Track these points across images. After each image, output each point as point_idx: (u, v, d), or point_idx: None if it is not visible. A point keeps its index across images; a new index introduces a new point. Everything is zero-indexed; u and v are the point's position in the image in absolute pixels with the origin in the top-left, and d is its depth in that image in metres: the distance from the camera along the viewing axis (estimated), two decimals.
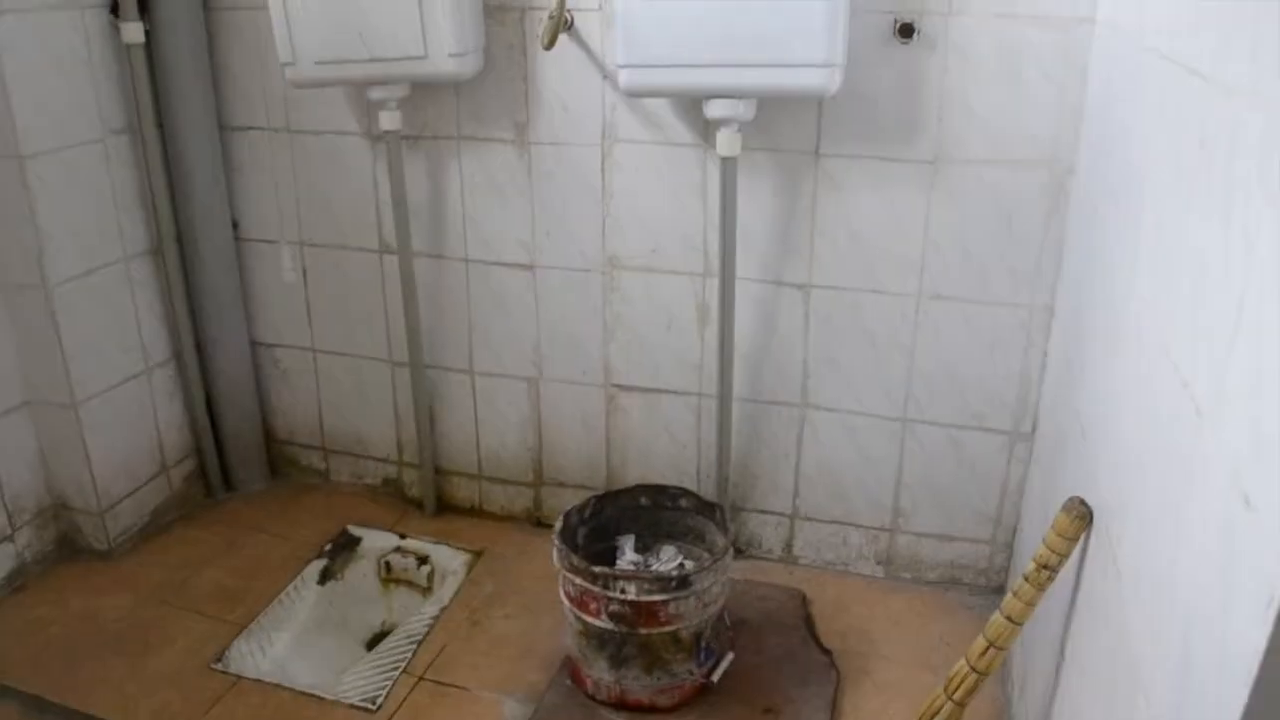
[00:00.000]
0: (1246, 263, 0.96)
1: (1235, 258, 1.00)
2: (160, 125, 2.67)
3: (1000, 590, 2.47)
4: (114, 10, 2.53)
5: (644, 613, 2.04)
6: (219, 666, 2.32)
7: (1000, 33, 2.07)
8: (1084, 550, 1.55)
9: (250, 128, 2.73)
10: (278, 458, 3.11)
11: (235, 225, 2.83)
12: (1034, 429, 2.32)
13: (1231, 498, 0.92)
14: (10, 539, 2.58)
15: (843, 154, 2.25)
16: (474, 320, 2.69)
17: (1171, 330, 1.22)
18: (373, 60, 2.28)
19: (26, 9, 2.33)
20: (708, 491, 2.56)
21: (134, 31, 2.53)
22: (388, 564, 2.71)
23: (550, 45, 2.21)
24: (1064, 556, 1.54)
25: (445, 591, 2.57)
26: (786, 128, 2.26)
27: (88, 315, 2.57)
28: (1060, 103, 2.08)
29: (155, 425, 2.82)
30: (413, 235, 2.60)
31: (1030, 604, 1.60)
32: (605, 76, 2.34)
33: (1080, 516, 1.52)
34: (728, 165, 2.18)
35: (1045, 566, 1.55)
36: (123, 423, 2.72)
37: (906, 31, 2.11)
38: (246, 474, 3.05)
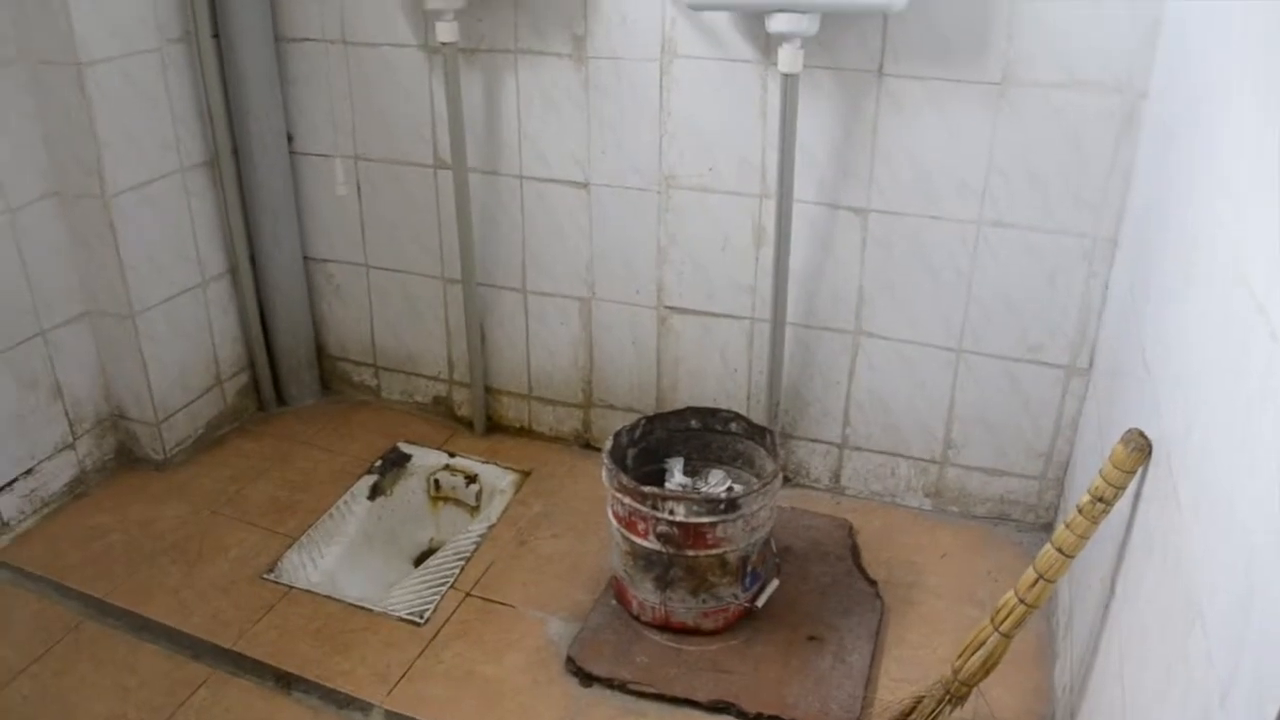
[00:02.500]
0: None
1: None
2: (216, 35, 2.65)
3: (1049, 527, 2.43)
4: None
5: (692, 534, 2.03)
6: (270, 577, 2.36)
7: None
8: (1141, 483, 1.51)
9: (306, 39, 2.70)
10: (329, 373, 3.13)
11: (290, 138, 2.83)
12: (1091, 363, 2.27)
13: None
14: (72, 447, 2.63)
15: (907, 74, 2.18)
16: (527, 238, 2.67)
17: (1249, 258, 1.17)
18: None
19: None
20: (758, 417, 2.54)
21: None
22: (436, 482, 2.73)
23: None
24: (1120, 489, 1.51)
25: (493, 510, 2.58)
26: (850, 45, 2.19)
27: (145, 226, 2.58)
28: (1135, 20, 1.99)
29: (210, 338, 2.85)
30: (468, 151, 2.57)
31: (1083, 536, 1.57)
32: None
33: (1139, 449, 1.47)
34: (789, 83, 2.12)
35: (1100, 499, 1.52)
36: (179, 335, 2.74)
37: None
38: (298, 389, 3.07)
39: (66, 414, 2.60)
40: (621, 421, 2.36)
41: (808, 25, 2.04)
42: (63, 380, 2.58)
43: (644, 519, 2.05)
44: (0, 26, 2.31)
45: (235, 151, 2.76)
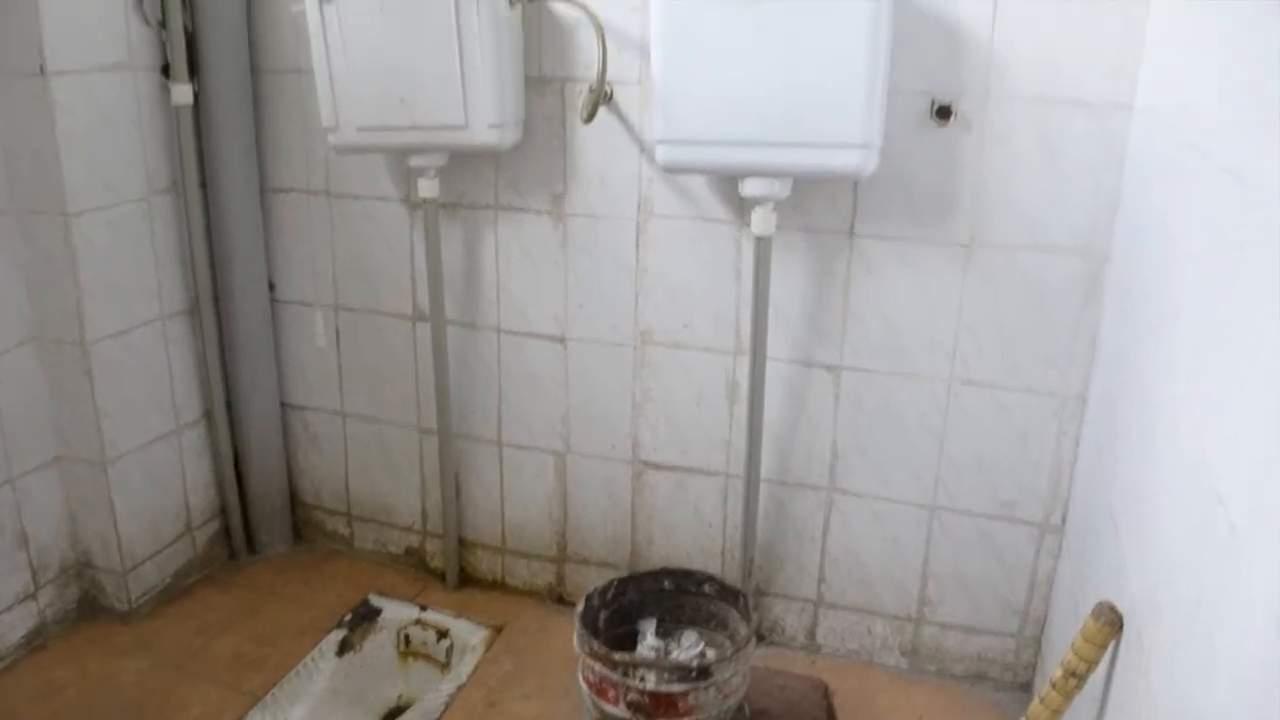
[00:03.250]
0: None
1: (1276, 372, 0.96)
2: (204, 185, 2.70)
3: (1027, 687, 2.39)
4: (165, 72, 2.58)
5: (663, 703, 1.98)
6: None
7: (1037, 117, 2.06)
8: (1114, 658, 1.49)
9: (291, 190, 2.75)
10: (302, 522, 3.09)
11: (272, 286, 2.86)
12: (1064, 521, 2.27)
13: (1269, 630, 0.88)
14: (33, 597, 2.57)
15: (877, 235, 2.23)
16: (504, 390, 2.68)
17: (1208, 438, 1.18)
18: (414, 128, 2.30)
19: (82, 70, 2.37)
20: (732, 573, 2.51)
21: (183, 93, 2.58)
22: (407, 637, 2.67)
23: (590, 119, 2.21)
24: (1093, 664, 1.49)
25: (464, 668, 2.52)
26: (822, 207, 2.25)
27: (122, 373, 2.58)
28: (1097, 189, 2.06)
29: (183, 485, 2.82)
30: (446, 303, 2.60)
31: (1057, 711, 1.54)
32: (643, 150, 2.34)
33: (1110, 623, 1.46)
34: (762, 244, 2.17)
35: (1073, 674, 1.49)
36: (151, 482, 2.72)
37: (944, 113, 2.10)
38: (270, 537, 3.04)
39: (30, 563, 2.56)
40: (596, 575, 2.34)
41: (780, 189, 2.09)
42: (29, 528, 2.54)
43: (615, 686, 2.00)
44: None
45: (216, 299, 2.78)
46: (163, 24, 2.54)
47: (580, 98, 2.33)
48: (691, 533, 2.60)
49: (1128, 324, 1.83)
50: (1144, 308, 1.71)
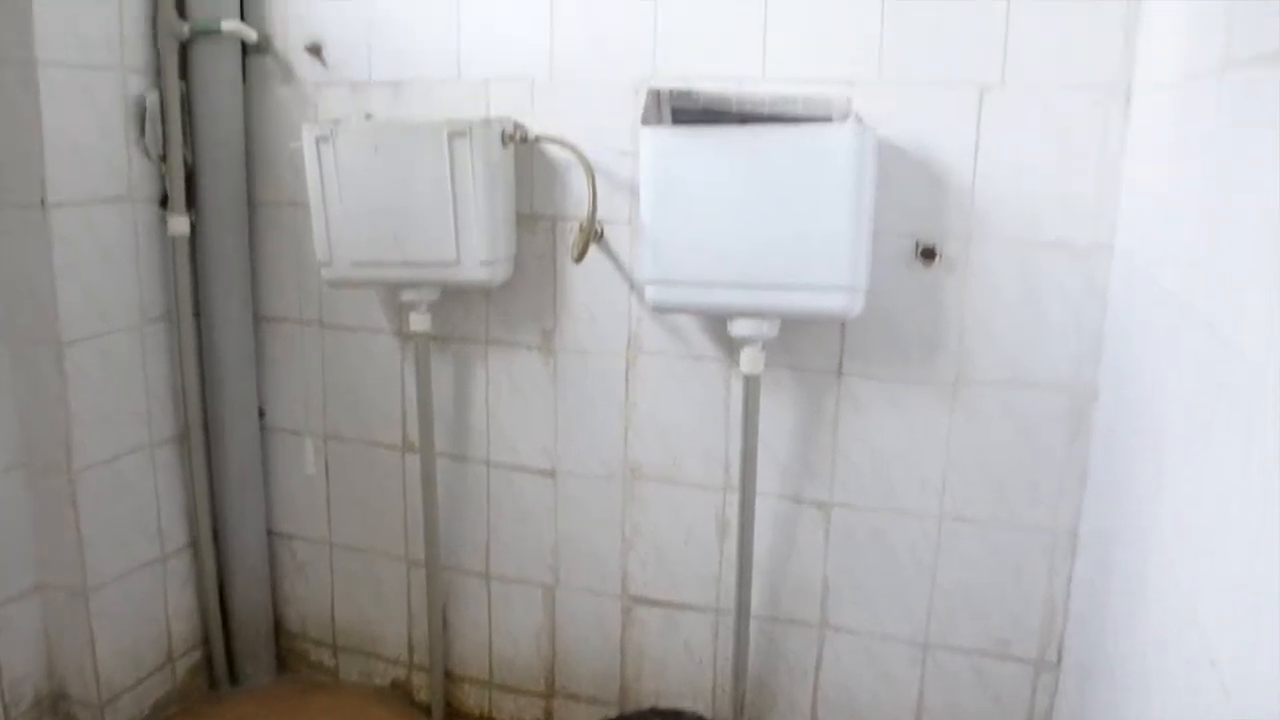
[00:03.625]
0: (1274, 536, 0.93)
1: (1263, 530, 0.96)
2: (197, 314, 2.72)
3: None
4: (163, 203, 2.62)
5: None
6: None
7: (1020, 258, 2.10)
8: None
9: (284, 319, 2.78)
10: (286, 652, 3.04)
11: (262, 414, 2.86)
12: (1060, 659, 2.24)
13: None
14: None
15: (865, 373, 2.25)
16: (493, 523, 2.66)
17: (1197, 591, 1.17)
18: (406, 264, 2.33)
19: (82, 202, 2.41)
20: (723, 709, 2.47)
21: (180, 224, 2.62)
22: None
23: (580, 259, 2.25)
24: None
25: None
26: (809, 346, 2.27)
27: (108, 501, 2.57)
28: (1080, 328, 2.08)
29: (165, 614, 2.78)
30: (436, 435, 2.60)
31: None
32: (632, 288, 2.37)
33: None
34: (750, 383, 2.18)
35: None
36: (133, 611, 2.68)
37: (928, 255, 2.14)
38: (253, 667, 2.98)
39: (2, 695, 2.50)
40: (585, 712, 2.30)
41: (768, 329, 2.11)
42: (3, 658, 2.49)
43: None
44: None
45: (206, 425, 2.78)
46: (163, 158, 2.59)
47: (571, 235, 2.37)
48: (682, 668, 2.56)
49: (1116, 463, 1.84)
50: (1131, 448, 1.71)
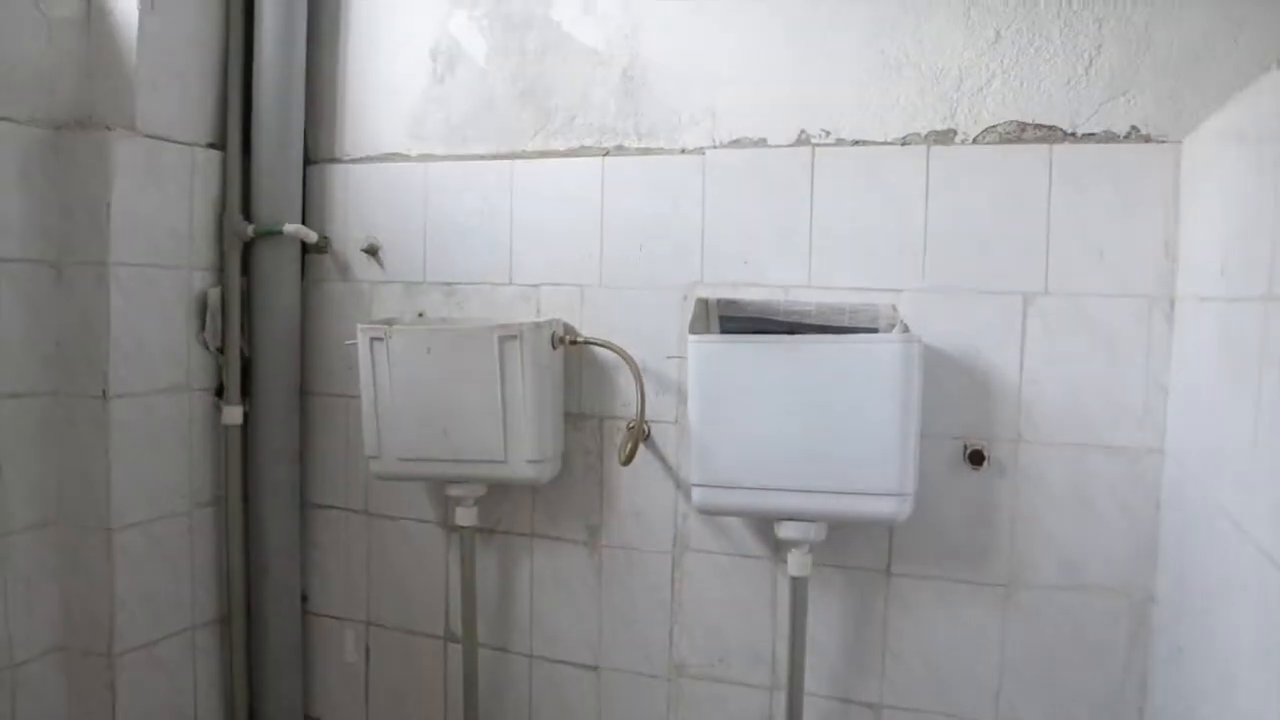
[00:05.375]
0: None
1: None
2: (245, 499, 2.76)
3: None
4: (218, 393, 2.69)
5: None
6: None
7: (1070, 461, 2.11)
8: None
9: (331, 507, 2.81)
10: None
11: (304, 599, 2.86)
12: None
13: None
14: None
15: (914, 574, 2.24)
16: (534, 717, 2.62)
17: None
18: (454, 460, 2.37)
19: (141, 393, 2.48)
20: None
21: (234, 414, 2.69)
22: None
23: (628, 461, 2.28)
24: None
25: None
26: (858, 546, 2.28)
27: (147, 685, 2.56)
28: (1134, 531, 2.08)
29: None
30: (479, 626, 2.59)
31: None
32: (679, 486, 2.40)
33: None
34: (798, 585, 2.18)
35: None
36: None
37: (976, 459, 2.16)
38: None
39: None
40: None
41: (815, 533, 2.12)
42: None
43: None
44: (43, 492, 2.43)
45: (248, 609, 2.78)
46: (221, 350, 2.67)
47: (619, 435, 2.41)
48: None
49: (1179, 672, 1.81)
50: (1194, 658, 1.69)
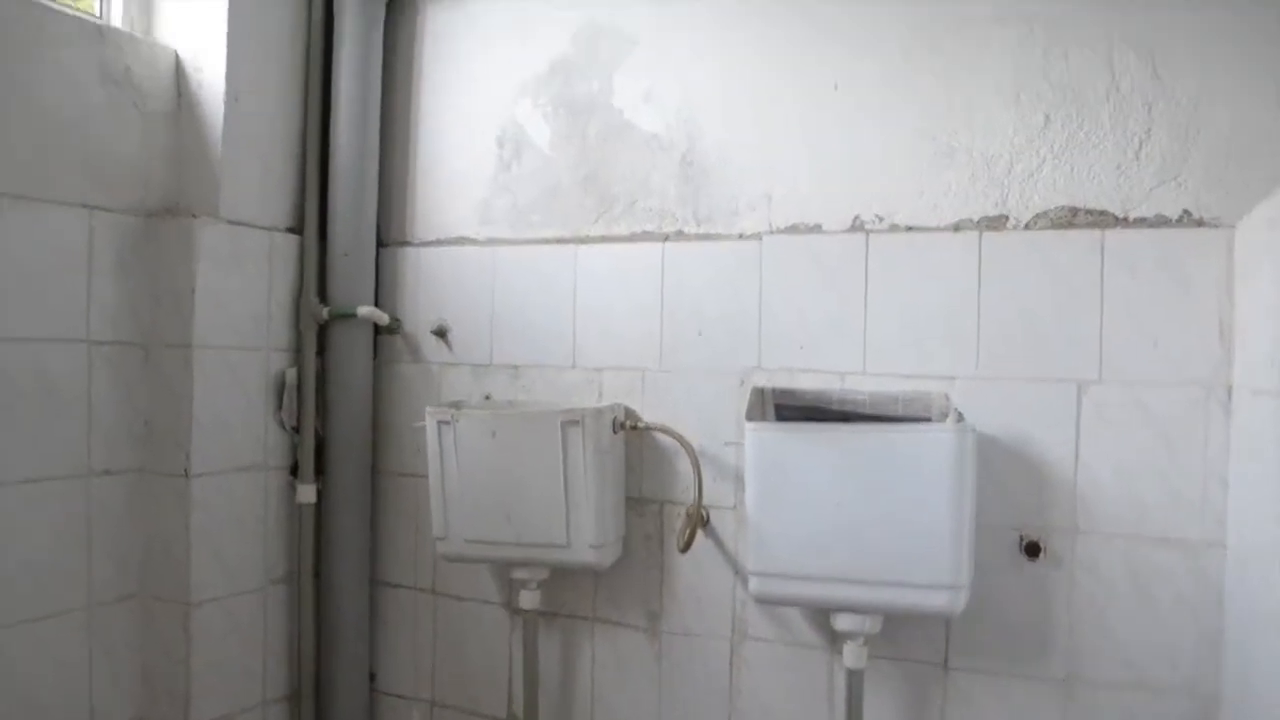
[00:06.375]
0: None
1: None
2: (317, 576, 2.83)
3: None
4: (293, 471, 2.78)
5: None
6: None
7: (1128, 553, 2.08)
8: None
9: (399, 585, 2.87)
10: None
11: (373, 677, 2.91)
12: None
13: None
14: None
15: (972, 668, 2.21)
16: None
17: None
18: (518, 544, 2.41)
19: (220, 471, 2.58)
20: None
21: (308, 493, 2.77)
22: None
23: (686, 549, 2.29)
24: None
25: None
26: (914, 639, 2.26)
27: None
28: (1197, 626, 2.03)
29: None
30: (540, 708, 2.61)
31: None
32: (737, 574, 2.40)
33: None
34: (854, 677, 2.16)
35: None
36: None
37: (1032, 550, 2.13)
38: None
39: None
40: None
41: (870, 625, 2.11)
42: None
43: None
44: (128, 565, 2.53)
45: (318, 687, 2.84)
46: (297, 429, 2.76)
47: (679, 521, 2.43)
48: None
49: None
50: None
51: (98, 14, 2.57)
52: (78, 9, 2.50)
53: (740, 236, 2.42)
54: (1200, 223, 2.03)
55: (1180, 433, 2.04)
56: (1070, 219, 2.13)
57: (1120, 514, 2.08)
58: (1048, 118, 2.15)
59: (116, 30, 2.51)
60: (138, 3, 2.62)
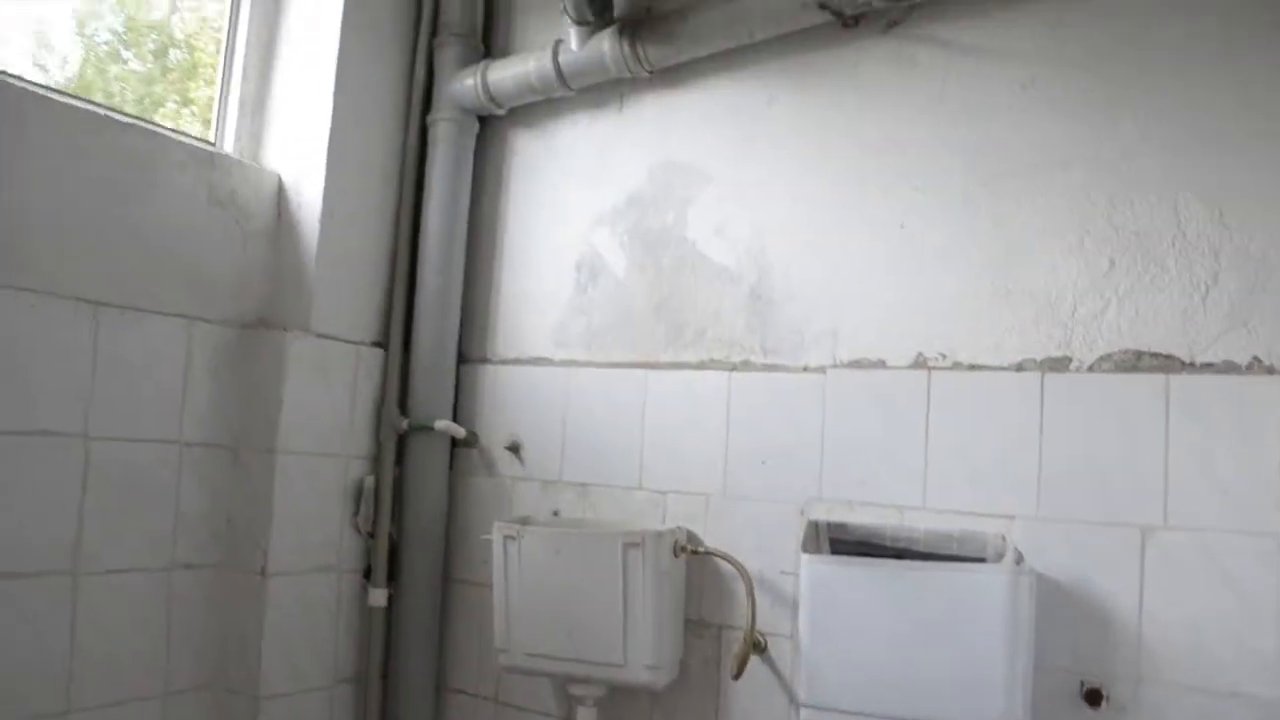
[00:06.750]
0: None
1: None
2: (385, 678, 2.89)
3: None
4: (366, 574, 2.86)
5: None
6: None
7: (1195, 706, 2.01)
8: None
9: (463, 691, 2.92)
10: None
11: None
12: None
13: None
14: None
15: None
16: None
17: None
18: (576, 660, 2.44)
19: (296, 571, 2.68)
20: None
21: (380, 596, 2.85)
22: None
23: (738, 676, 2.30)
24: None
25: None
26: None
27: None
28: None
29: None
30: None
31: None
32: (791, 701, 2.40)
33: None
34: None
35: None
36: None
37: (1094, 698, 2.09)
38: None
39: None
40: None
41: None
42: None
43: None
44: (202, 657, 2.63)
45: None
46: (372, 535, 2.85)
47: (736, 645, 2.44)
48: None
49: None
50: None
51: (212, 139, 2.76)
52: (194, 137, 2.70)
53: (805, 369, 2.47)
54: (1271, 370, 2.01)
55: (1250, 584, 1.99)
56: (1135, 362, 2.13)
57: (1187, 664, 2.03)
58: (1112, 261, 2.17)
59: (226, 156, 2.71)
60: (249, 129, 2.82)
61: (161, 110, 2.77)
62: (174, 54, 2.85)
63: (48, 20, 2.54)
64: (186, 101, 2.86)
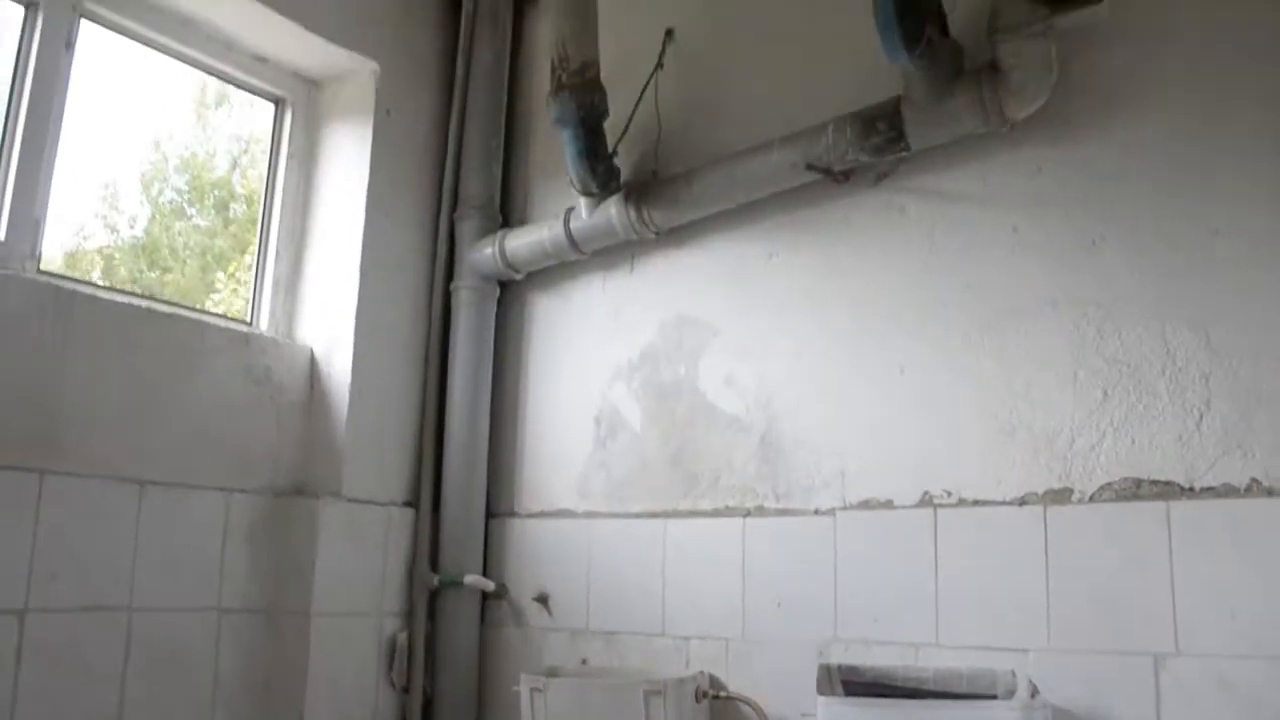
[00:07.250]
0: None
1: None
2: None
3: None
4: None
5: None
6: None
7: None
8: None
9: None
10: None
11: None
12: None
13: None
14: None
15: None
16: None
17: None
18: None
19: (336, 614, 2.77)
20: None
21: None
22: None
23: None
24: None
25: None
26: None
27: None
28: None
29: None
30: None
31: None
32: None
33: None
34: None
35: None
36: None
37: None
38: None
39: None
40: None
41: None
42: None
43: None
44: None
45: None
46: (406, 689, 2.91)
47: None
48: None
49: None
50: None
51: (248, 319, 2.94)
52: (231, 318, 2.88)
53: (816, 512, 2.53)
54: (1270, 492, 2.04)
55: (1268, 709, 1.98)
56: (1135, 490, 2.17)
57: None
58: (1105, 393, 2.23)
59: (261, 335, 2.87)
60: (283, 307, 2.99)
61: (230, 265, 2.98)
62: (234, 208, 3.06)
63: (115, 183, 2.76)
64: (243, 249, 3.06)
